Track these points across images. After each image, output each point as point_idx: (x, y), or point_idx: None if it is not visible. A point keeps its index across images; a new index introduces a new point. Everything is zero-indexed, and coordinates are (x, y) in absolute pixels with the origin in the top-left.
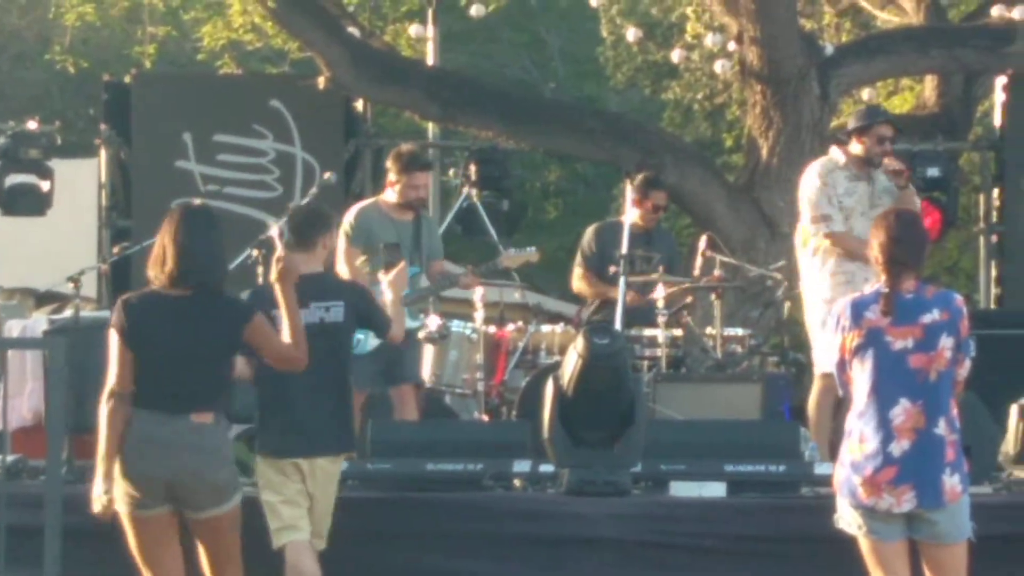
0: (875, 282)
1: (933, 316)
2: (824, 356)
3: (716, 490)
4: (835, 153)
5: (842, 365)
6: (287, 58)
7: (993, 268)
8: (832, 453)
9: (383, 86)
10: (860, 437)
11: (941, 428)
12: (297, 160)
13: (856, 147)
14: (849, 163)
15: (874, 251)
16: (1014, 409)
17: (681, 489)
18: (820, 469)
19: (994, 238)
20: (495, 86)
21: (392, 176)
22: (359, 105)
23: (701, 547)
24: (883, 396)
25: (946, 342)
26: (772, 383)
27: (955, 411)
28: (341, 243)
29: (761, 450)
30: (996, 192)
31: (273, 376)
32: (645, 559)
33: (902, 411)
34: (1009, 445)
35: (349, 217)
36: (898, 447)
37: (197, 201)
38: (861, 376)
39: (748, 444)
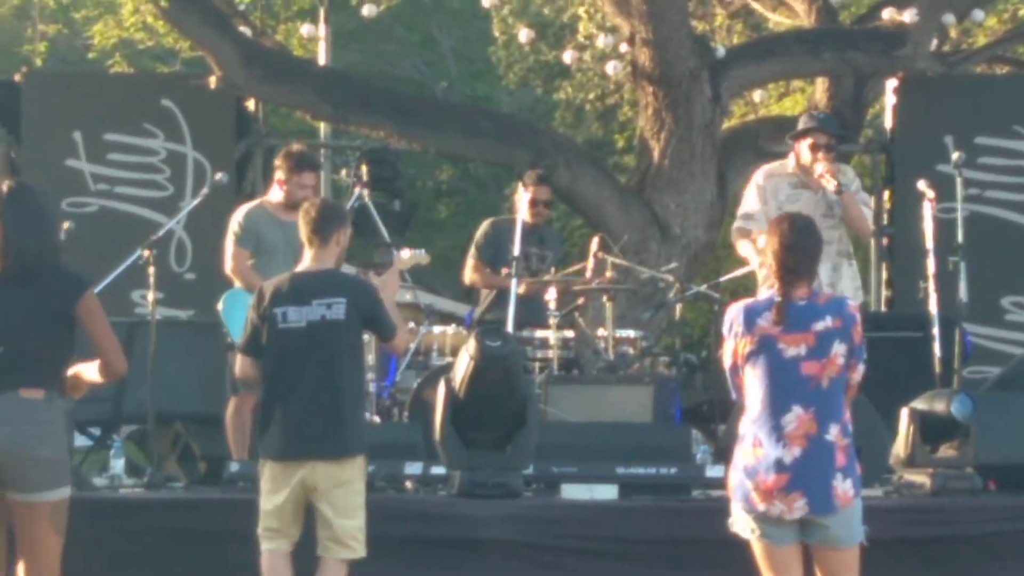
0: (768, 287)
1: (826, 323)
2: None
3: (608, 492)
4: (790, 159)
5: (735, 370)
6: (178, 57)
7: (884, 270)
8: (725, 457)
9: (274, 85)
10: (754, 442)
11: (832, 434)
12: (188, 159)
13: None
14: (797, 170)
15: (767, 258)
16: (904, 412)
17: (573, 491)
18: (711, 472)
19: (885, 240)
20: (387, 86)
21: (280, 175)
22: (251, 104)
23: (592, 550)
24: (775, 403)
25: (839, 348)
26: (663, 385)
27: (848, 415)
28: (229, 245)
29: (653, 453)
30: (887, 195)
31: (273, 377)
32: (536, 561)
33: (794, 418)
34: (900, 448)
35: (237, 218)
36: (789, 454)
37: (8, 181)
38: (754, 382)
39: (640, 447)
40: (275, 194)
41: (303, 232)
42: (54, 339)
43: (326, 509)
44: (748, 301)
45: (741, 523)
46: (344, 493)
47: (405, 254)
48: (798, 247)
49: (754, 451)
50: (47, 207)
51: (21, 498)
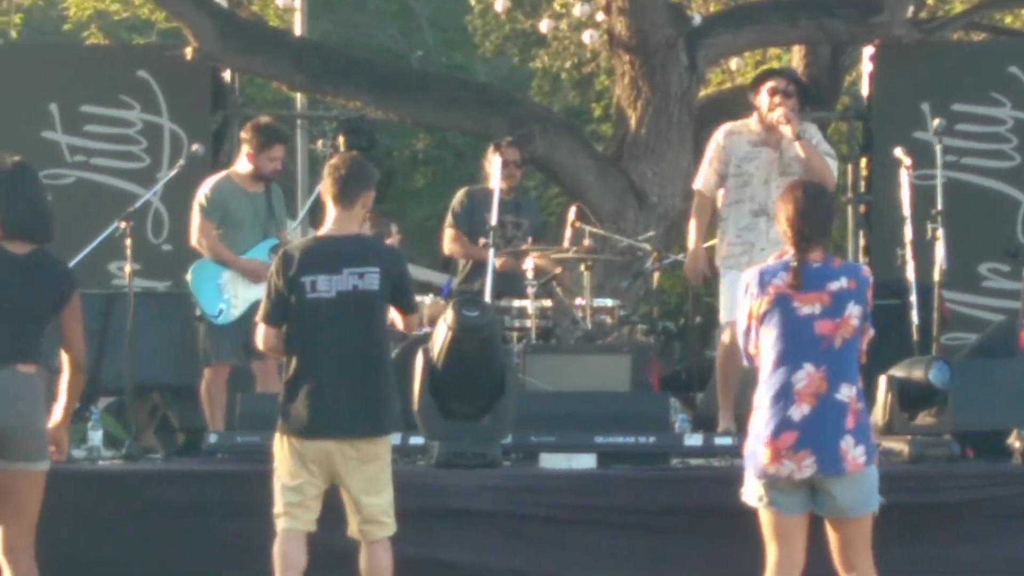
0: (782, 252)
1: (840, 284)
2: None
3: (586, 462)
4: (753, 117)
5: (748, 332)
6: (154, 28)
7: (861, 238)
8: (743, 427)
9: (250, 56)
10: (765, 403)
11: (843, 395)
12: (165, 131)
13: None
14: (759, 128)
15: (781, 224)
16: (882, 379)
17: (551, 461)
18: (690, 440)
19: (862, 208)
20: (363, 56)
21: (249, 149)
22: (227, 75)
23: (571, 519)
24: (787, 361)
25: (853, 310)
26: (641, 354)
27: (860, 382)
28: (196, 217)
29: (631, 422)
30: (864, 162)
31: (301, 349)
32: (515, 531)
33: (805, 375)
34: (877, 415)
35: (204, 190)
36: (798, 411)
37: (15, 157)
38: (767, 341)
39: (618, 416)
40: (243, 165)
41: (329, 190)
42: (46, 321)
43: (357, 488)
44: (762, 265)
45: (751, 491)
46: (374, 470)
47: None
48: (812, 213)
49: (766, 411)
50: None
51: (21, 467)
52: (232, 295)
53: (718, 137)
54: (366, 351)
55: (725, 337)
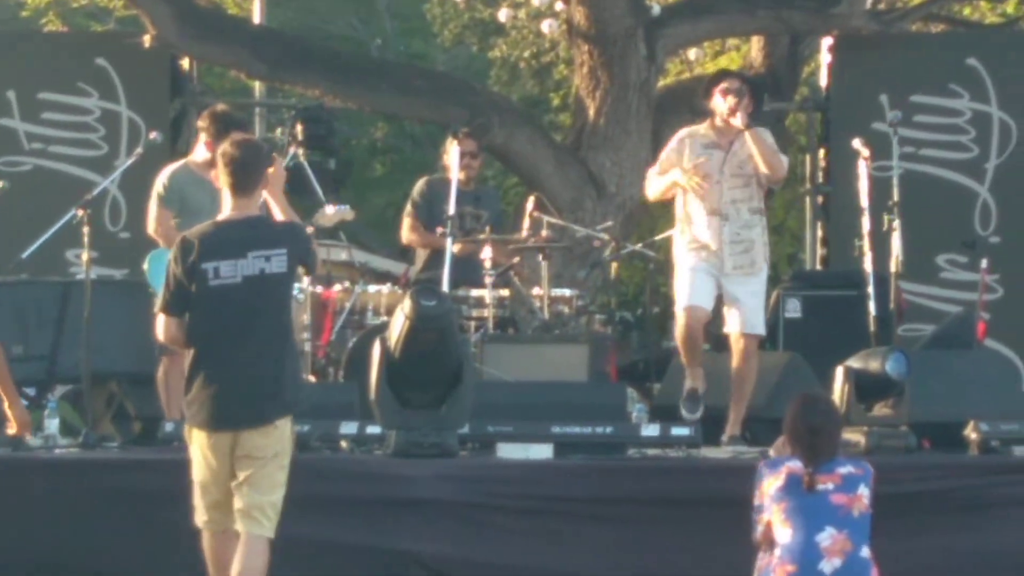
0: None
1: (848, 469)
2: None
3: (543, 452)
4: (707, 123)
5: (759, 510)
6: (112, 16)
7: (819, 228)
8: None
9: (208, 44)
10: (788, 560)
11: (865, 553)
12: (123, 118)
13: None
14: (711, 130)
15: (791, 434)
16: (839, 370)
17: (508, 451)
18: (647, 431)
19: (820, 199)
20: (322, 45)
21: (207, 136)
22: (185, 63)
23: (528, 509)
24: (809, 526)
25: (863, 491)
26: (599, 344)
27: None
28: (153, 206)
29: (588, 411)
30: (822, 153)
31: (203, 339)
32: (471, 521)
33: (829, 536)
34: None
35: (161, 179)
36: (829, 565)
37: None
38: (781, 516)
39: (575, 405)
40: (200, 153)
41: (224, 176)
42: None
43: (244, 480)
44: (769, 459)
45: None
46: (266, 467)
47: (330, 210)
48: (825, 430)
49: (790, 565)
50: None
51: None
52: None
53: (680, 134)
54: (270, 337)
55: (680, 319)
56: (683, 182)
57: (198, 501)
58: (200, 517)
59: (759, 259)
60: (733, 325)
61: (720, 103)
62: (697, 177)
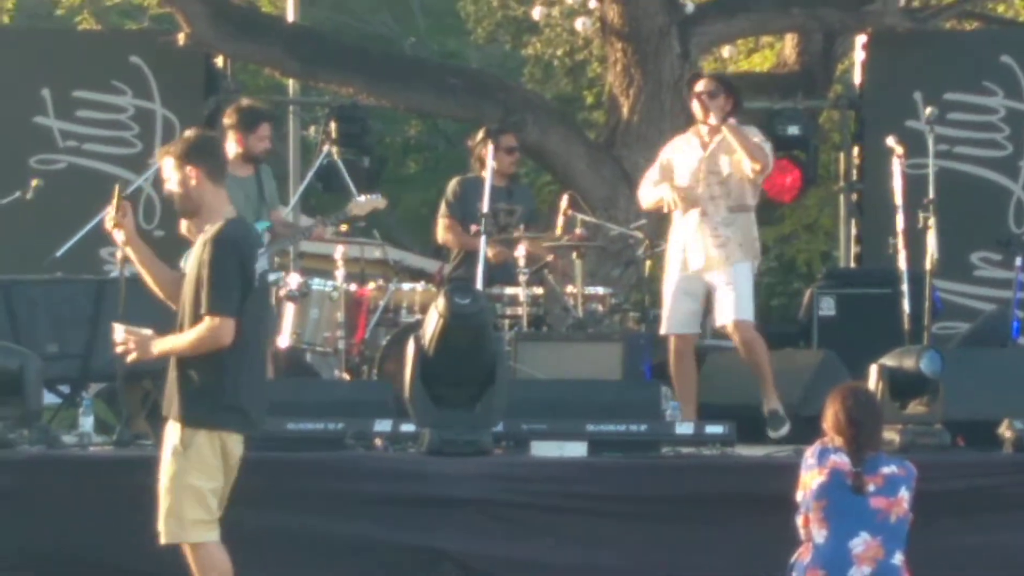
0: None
1: (892, 469)
2: (671, 317)
3: (577, 450)
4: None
5: (801, 504)
6: (146, 14)
7: (853, 226)
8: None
9: (243, 42)
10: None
11: (898, 560)
12: (157, 116)
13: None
14: (693, 132)
15: (832, 427)
16: (873, 368)
17: (542, 449)
18: (681, 428)
19: (854, 196)
20: (356, 43)
21: (236, 132)
22: (219, 61)
23: (562, 507)
24: (844, 528)
25: (904, 494)
26: (633, 342)
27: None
28: None
29: (622, 409)
30: (856, 150)
31: (247, 338)
32: (505, 519)
33: (862, 542)
34: None
35: None
36: (859, 572)
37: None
38: (820, 514)
39: (609, 403)
40: (231, 150)
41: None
42: None
43: (230, 485)
44: (823, 443)
45: None
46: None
47: (362, 199)
48: (867, 422)
49: (820, 571)
50: None
51: None
52: None
53: (665, 149)
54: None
55: (672, 346)
56: (669, 199)
57: (203, 514)
58: (205, 531)
59: (735, 253)
60: (721, 319)
61: (695, 105)
62: (683, 204)
